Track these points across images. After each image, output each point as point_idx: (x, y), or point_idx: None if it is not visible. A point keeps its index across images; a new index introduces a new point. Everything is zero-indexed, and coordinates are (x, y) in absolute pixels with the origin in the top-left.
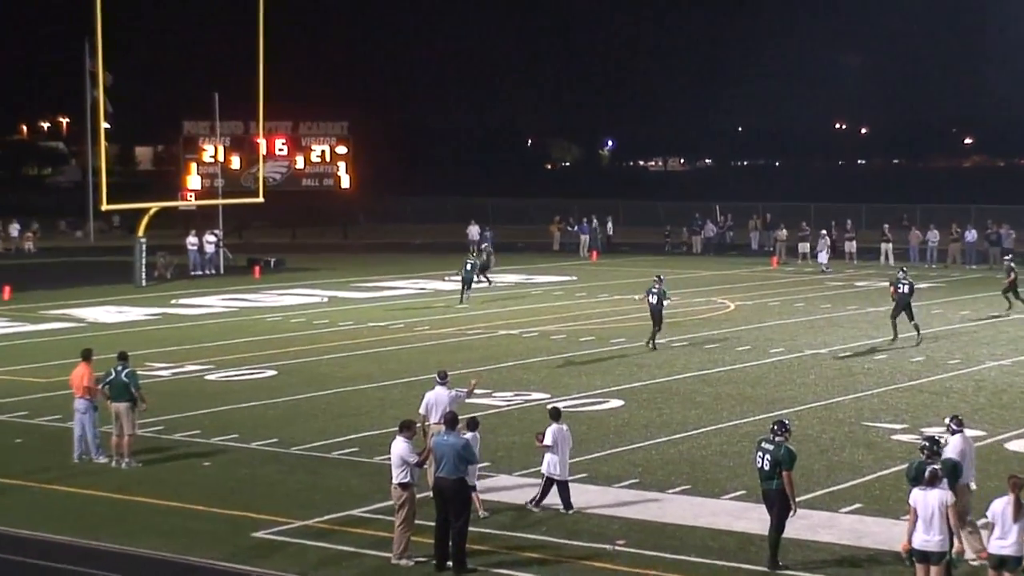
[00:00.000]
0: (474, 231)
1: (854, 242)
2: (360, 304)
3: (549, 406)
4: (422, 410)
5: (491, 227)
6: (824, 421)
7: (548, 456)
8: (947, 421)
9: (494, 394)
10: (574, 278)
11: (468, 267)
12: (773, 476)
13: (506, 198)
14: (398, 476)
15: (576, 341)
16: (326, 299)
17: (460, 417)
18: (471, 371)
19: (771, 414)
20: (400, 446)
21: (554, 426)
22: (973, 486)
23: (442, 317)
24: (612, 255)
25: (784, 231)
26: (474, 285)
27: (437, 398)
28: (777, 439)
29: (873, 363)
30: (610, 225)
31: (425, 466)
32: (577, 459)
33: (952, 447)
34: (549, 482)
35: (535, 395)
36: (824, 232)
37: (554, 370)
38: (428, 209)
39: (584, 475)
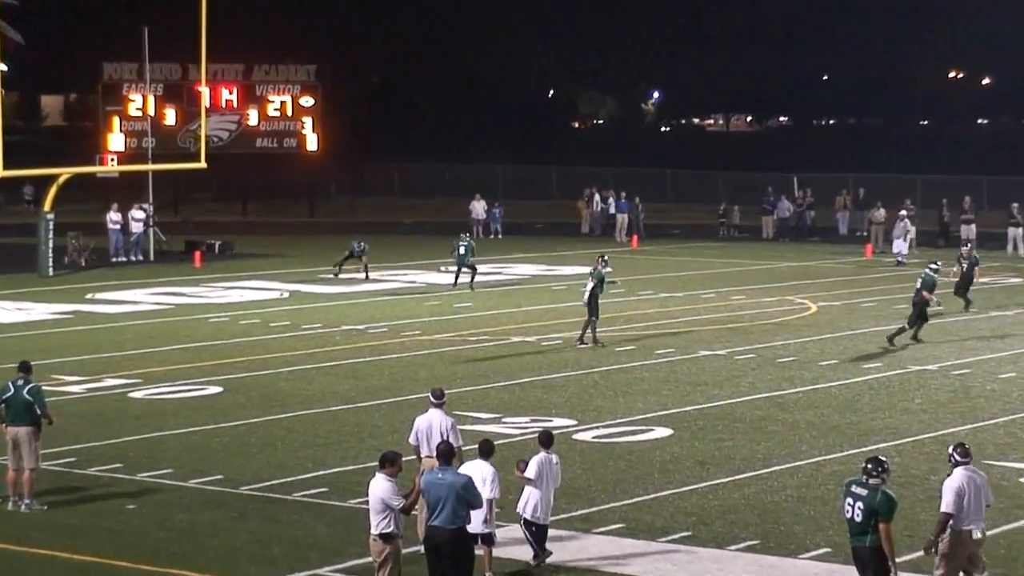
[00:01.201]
0: (479, 208)
1: (973, 226)
2: (331, 302)
3: (540, 430)
4: (411, 439)
5: (501, 203)
6: (933, 458)
7: (528, 491)
8: (950, 450)
9: (504, 420)
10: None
11: (461, 250)
12: (867, 529)
13: (521, 166)
14: (379, 525)
15: (611, 352)
16: (287, 294)
17: (458, 447)
18: (476, 389)
19: (864, 449)
20: (381, 486)
21: (542, 455)
22: (978, 535)
23: (438, 319)
24: (658, 240)
25: (882, 211)
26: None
27: (431, 424)
28: (872, 481)
29: (997, 384)
30: (639, 205)
31: (415, 512)
32: (612, 504)
33: (950, 484)
34: (529, 526)
35: (558, 421)
36: (903, 213)
37: (582, 389)
38: (420, 179)
39: (620, 525)
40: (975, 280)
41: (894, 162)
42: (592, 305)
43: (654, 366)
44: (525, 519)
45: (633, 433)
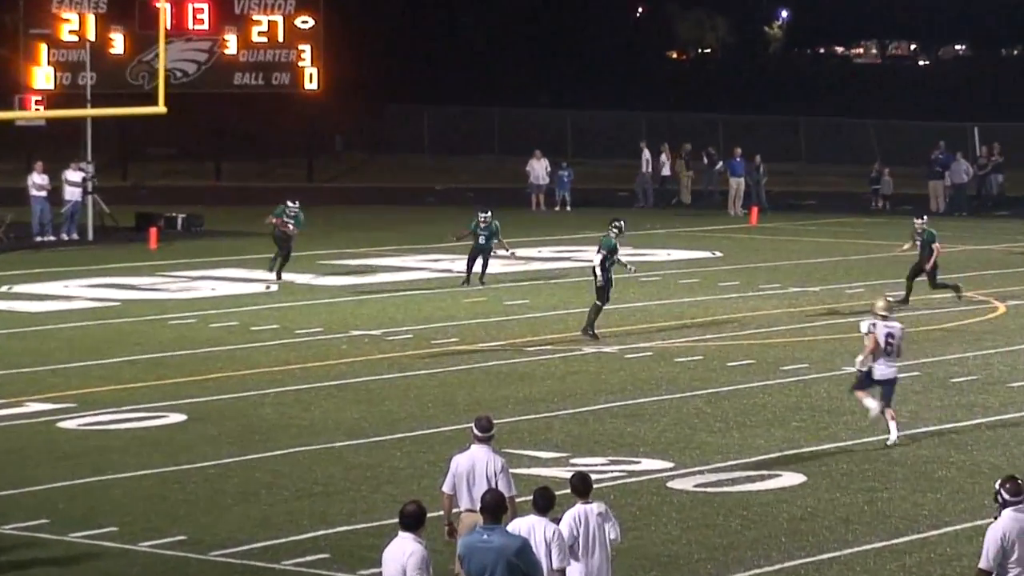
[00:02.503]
0: (540, 169)
1: None
2: (335, 297)
3: (573, 474)
4: (446, 487)
5: (569, 163)
6: None
7: (573, 565)
8: (996, 486)
9: (573, 460)
10: (717, 254)
11: (481, 239)
12: None
13: (597, 112)
14: None
15: (721, 367)
16: (274, 287)
17: (511, 497)
18: (535, 419)
19: None
20: (405, 550)
21: (577, 509)
22: None
23: (482, 322)
24: (786, 213)
25: None
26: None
27: (473, 466)
28: None
29: None
30: (761, 167)
31: None
32: None
33: (993, 531)
34: None
35: (647, 463)
36: None
37: (681, 419)
38: (458, 131)
39: None
40: None
41: None
42: (603, 285)
43: (780, 388)
44: None
45: (751, 480)
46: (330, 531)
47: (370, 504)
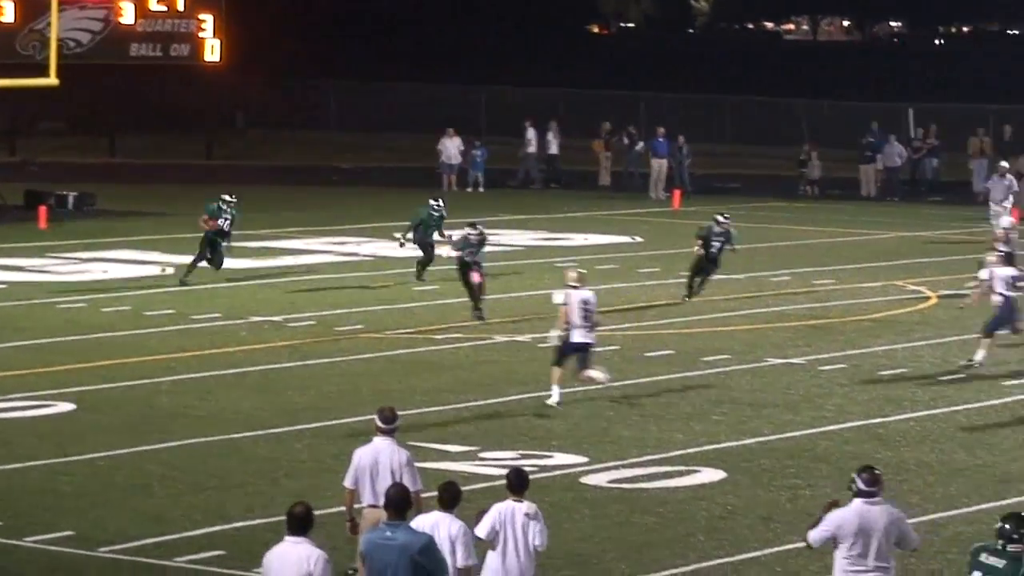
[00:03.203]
0: (452, 148)
1: None
2: (235, 281)
3: (510, 469)
4: (348, 482)
5: (483, 142)
6: None
7: (488, 558)
8: (854, 475)
9: (483, 455)
10: (637, 239)
11: (431, 214)
12: None
13: (514, 89)
14: None
15: (639, 358)
16: (171, 270)
17: (416, 492)
18: (443, 410)
19: (1001, 503)
20: (305, 556)
21: (504, 506)
22: None
23: (388, 309)
24: (710, 197)
25: None
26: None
27: (376, 460)
28: (1012, 548)
29: None
30: (684, 147)
31: None
32: None
33: (836, 516)
34: None
35: (560, 458)
36: (1004, 166)
37: (596, 412)
38: (366, 107)
39: None
40: None
41: None
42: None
43: (701, 379)
44: None
45: (668, 476)
46: (226, 527)
47: (268, 499)
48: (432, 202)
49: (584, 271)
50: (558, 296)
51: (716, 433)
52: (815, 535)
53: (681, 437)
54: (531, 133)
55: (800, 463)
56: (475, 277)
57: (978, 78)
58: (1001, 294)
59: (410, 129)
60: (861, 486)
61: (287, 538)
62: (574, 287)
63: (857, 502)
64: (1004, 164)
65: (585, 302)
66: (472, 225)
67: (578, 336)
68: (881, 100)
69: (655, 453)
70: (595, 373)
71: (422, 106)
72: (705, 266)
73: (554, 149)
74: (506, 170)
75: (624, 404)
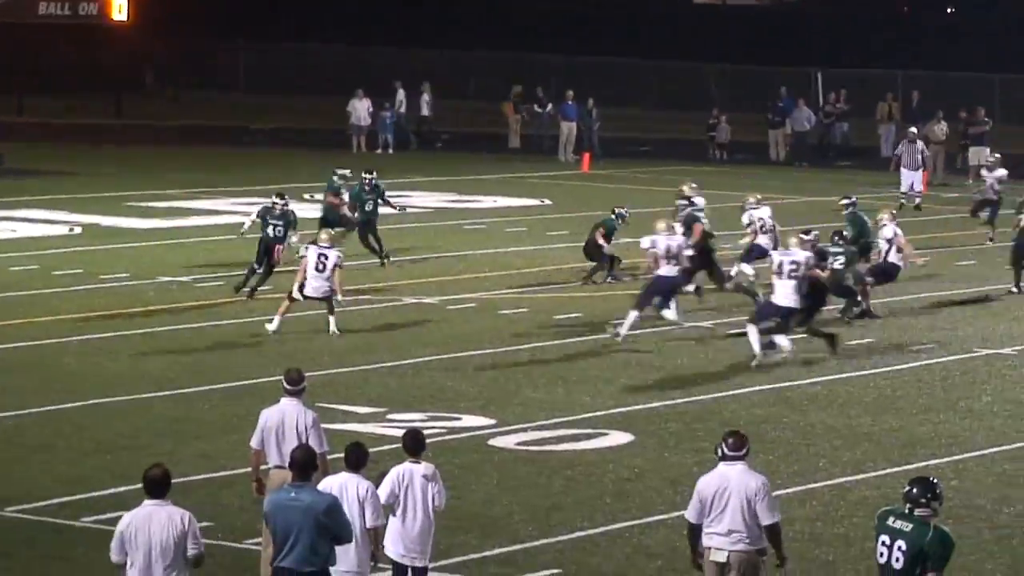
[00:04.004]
0: (362, 110)
1: None
2: (143, 241)
3: (406, 431)
4: (254, 442)
5: (394, 104)
6: (1007, 481)
7: (390, 520)
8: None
9: (390, 416)
10: (546, 202)
11: (367, 192)
12: None
13: (423, 51)
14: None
15: (547, 321)
16: (78, 230)
17: (322, 454)
18: (350, 371)
19: (908, 467)
20: (175, 519)
21: (403, 468)
22: (719, 556)
23: (296, 269)
24: (620, 161)
25: (943, 125)
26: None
27: (283, 420)
28: (919, 513)
29: None
30: (594, 111)
31: (258, 548)
32: (544, 541)
33: (699, 482)
34: (397, 572)
35: (468, 420)
36: (913, 131)
37: (504, 374)
38: (277, 67)
39: (555, 571)
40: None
41: (964, 55)
42: None
43: (609, 343)
44: (392, 560)
45: (576, 439)
46: (133, 487)
47: (177, 459)
48: (365, 175)
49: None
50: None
51: (624, 396)
52: (689, 509)
53: (589, 400)
54: (401, 94)
55: (707, 426)
56: (277, 253)
57: (883, 42)
58: None
59: (321, 91)
60: (725, 450)
61: (147, 502)
62: (320, 244)
63: (720, 465)
64: (913, 130)
65: (323, 256)
66: (280, 195)
67: (313, 284)
68: (790, 65)
69: (563, 416)
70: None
71: (333, 68)
72: None
73: (425, 111)
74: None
75: (532, 367)
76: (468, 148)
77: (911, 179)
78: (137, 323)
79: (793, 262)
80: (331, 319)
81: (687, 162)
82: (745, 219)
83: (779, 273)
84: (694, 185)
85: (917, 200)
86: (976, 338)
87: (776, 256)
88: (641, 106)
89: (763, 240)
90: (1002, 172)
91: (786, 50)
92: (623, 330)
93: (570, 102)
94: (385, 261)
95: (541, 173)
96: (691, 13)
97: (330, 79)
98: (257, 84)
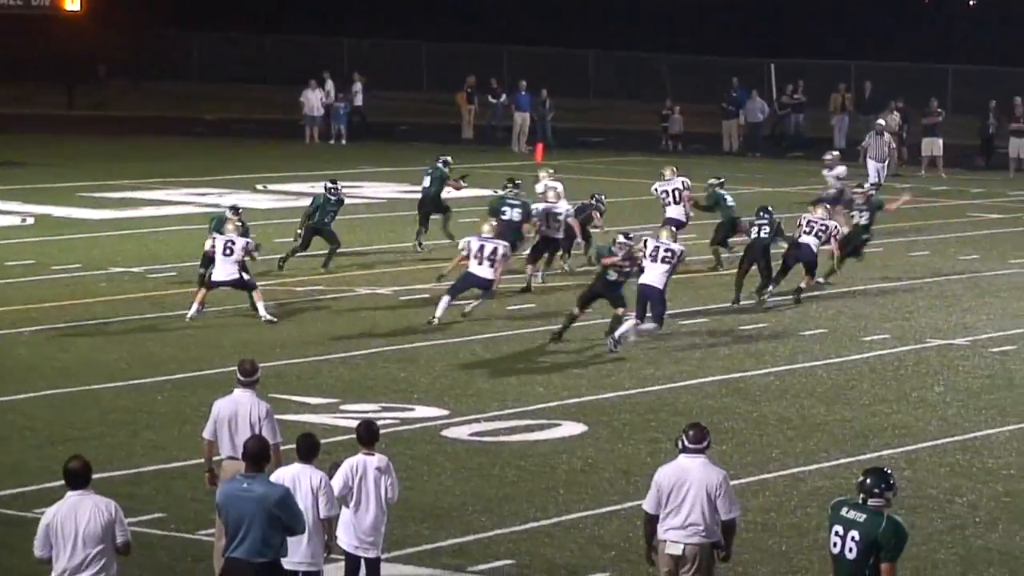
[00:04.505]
0: (315, 100)
1: None
2: (96, 231)
3: (360, 421)
4: (207, 433)
5: (348, 93)
6: (959, 471)
7: (343, 512)
8: (681, 433)
9: (344, 407)
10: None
11: (328, 199)
12: (864, 571)
13: (377, 40)
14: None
15: (500, 311)
16: (30, 220)
17: (275, 445)
18: (304, 362)
19: (861, 457)
20: (92, 504)
21: (356, 459)
22: (674, 550)
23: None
24: (573, 151)
25: (896, 116)
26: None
27: (236, 411)
28: (872, 503)
29: None
30: (548, 101)
31: (211, 539)
32: (496, 532)
33: (657, 474)
34: (349, 562)
35: (421, 410)
36: (881, 124)
37: (458, 365)
38: (231, 57)
39: (508, 562)
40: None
41: (917, 46)
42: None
43: (566, 335)
44: (345, 552)
45: (529, 430)
46: (95, 476)
47: (129, 450)
48: (328, 184)
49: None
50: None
51: (577, 387)
52: (646, 500)
53: (542, 391)
54: (329, 85)
55: (660, 417)
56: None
57: (836, 32)
58: None
59: (274, 81)
60: (686, 442)
61: (70, 494)
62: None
63: (680, 457)
64: (881, 122)
65: (230, 242)
66: (234, 207)
67: (222, 269)
68: (744, 55)
69: (516, 407)
70: None
71: (286, 57)
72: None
73: (359, 101)
74: (372, 124)
75: (486, 357)
76: (422, 139)
77: (877, 169)
78: (89, 314)
79: (668, 249)
80: (259, 305)
81: (640, 152)
82: (656, 192)
83: (653, 257)
84: (674, 168)
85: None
86: (929, 328)
87: (651, 241)
88: (595, 96)
89: (674, 212)
90: (841, 169)
91: (740, 40)
92: (437, 314)
93: (523, 92)
94: (282, 264)
95: (494, 164)
96: (645, 3)
97: (285, 69)
98: (211, 74)
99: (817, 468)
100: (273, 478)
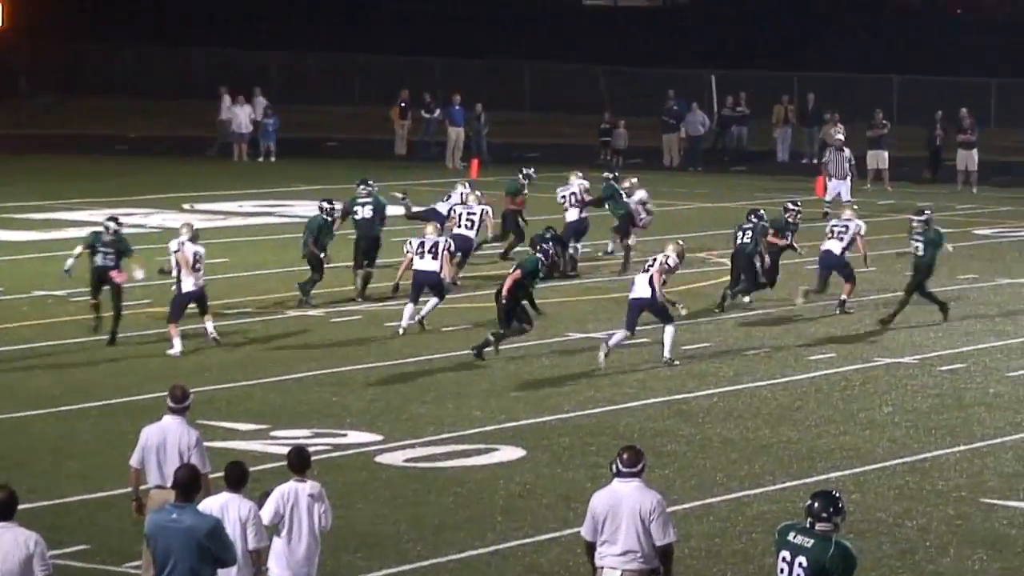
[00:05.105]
0: (242, 116)
1: (974, 151)
2: (17, 254)
3: (290, 449)
4: (134, 461)
5: (275, 108)
6: (909, 494)
7: (275, 541)
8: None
9: (274, 433)
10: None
11: (325, 220)
12: None
13: (305, 53)
14: None
15: (435, 332)
16: None
17: (206, 474)
18: (233, 387)
19: (808, 480)
20: (19, 540)
21: (287, 486)
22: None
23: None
24: (509, 166)
25: (839, 128)
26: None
27: (164, 439)
28: (820, 528)
29: (1004, 385)
30: (482, 115)
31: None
32: (434, 560)
33: (592, 500)
34: None
35: (354, 436)
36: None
37: (392, 388)
38: (156, 72)
39: None
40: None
41: (861, 56)
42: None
43: (500, 355)
44: None
45: (466, 455)
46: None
47: (53, 479)
48: (324, 204)
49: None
50: (173, 244)
51: (515, 410)
52: (584, 527)
53: (479, 414)
54: (226, 101)
55: (601, 440)
56: (116, 277)
57: (778, 43)
58: None
59: (201, 96)
60: (620, 466)
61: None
62: (188, 238)
63: (614, 482)
64: (840, 137)
65: (197, 253)
66: (112, 219)
67: (190, 281)
68: (683, 66)
69: (452, 431)
70: None
71: (212, 72)
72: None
73: (258, 116)
74: (298, 139)
75: (420, 380)
76: (354, 154)
77: (838, 188)
78: (13, 339)
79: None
80: (209, 324)
81: (578, 167)
82: (558, 197)
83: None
84: (579, 173)
85: (826, 208)
86: (876, 347)
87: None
88: (531, 110)
89: (572, 215)
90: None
91: (680, 52)
92: (403, 323)
93: (457, 107)
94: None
95: (428, 180)
96: (582, 14)
97: (211, 83)
98: (135, 89)
99: (763, 492)
100: (201, 508)
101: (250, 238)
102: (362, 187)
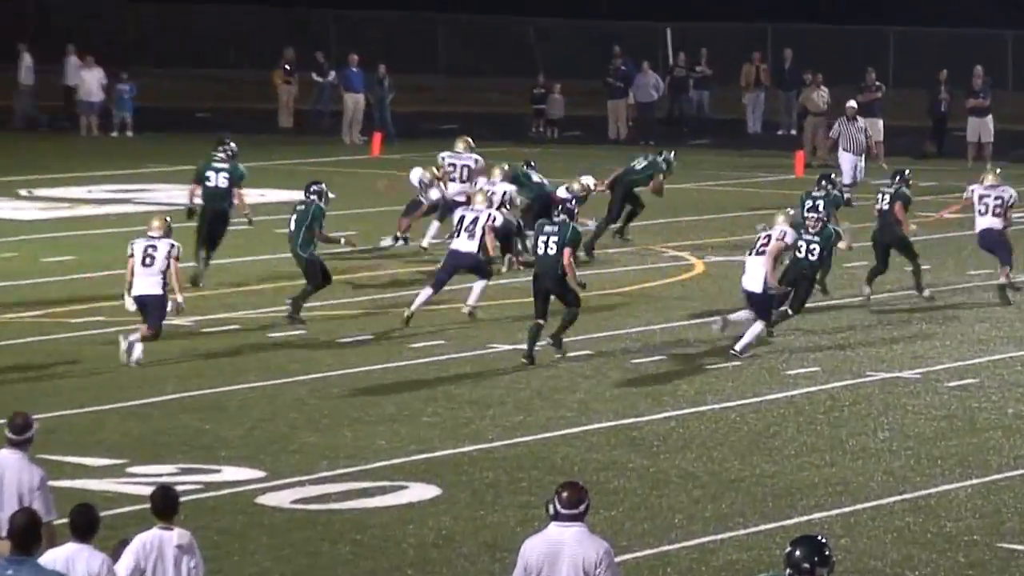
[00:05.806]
0: (92, 82)
1: (988, 118)
2: None
3: (154, 489)
4: None
5: (131, 75)
6: (911, 538)
7: None
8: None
9: (131, 469)
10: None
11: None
12: None
13: (167, 6)
14: None
15: (329, 344)
16: None
17: (49, 521)
18: (81, 413)
19: (786, 523)
20: None
21: (154, 536)
22: None
23: (9, 285)
24: (418, 141)
25: (823, 92)
26: None
27: (3, 477)
28: None
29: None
30: (386, 80)
31: None
32: None
33: (523, 546)
34: None
35: (229, 472)
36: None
37: (277, 413)
38: None
39: None
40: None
41: (849, 3)
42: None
43: (408, 371)
44: None
45: (368, 494)
46: None
47: None
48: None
49: None
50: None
51: (429, 439)
52: None
53: (384, 444)
54: (27, 60)
55: (533, 475)
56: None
57: None
58: None
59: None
60: (558, 507)
61: None
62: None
63: (551, 526)
64: (852, 104)
65: (161, 248)
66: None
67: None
68: (632, 18)
69: (351, 465)
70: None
71: (54, 29)
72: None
73: (28, 79)
74: (164, 110)
75: (312, 403)
76: (229, 128)
77: (854, 164)
78: None
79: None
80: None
81: (505, 142)
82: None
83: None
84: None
85: (847, 194)
86: (869, 359)
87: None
88: (446, 73)
89: (456, 188)
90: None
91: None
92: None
93: (355, 68)
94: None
95: (320, 159)
96: None
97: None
98: None
99: (731, 537)
100: (42, 561)
101: (102, 231)
102: (221, 149)
